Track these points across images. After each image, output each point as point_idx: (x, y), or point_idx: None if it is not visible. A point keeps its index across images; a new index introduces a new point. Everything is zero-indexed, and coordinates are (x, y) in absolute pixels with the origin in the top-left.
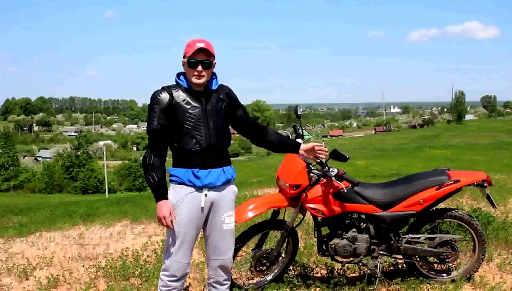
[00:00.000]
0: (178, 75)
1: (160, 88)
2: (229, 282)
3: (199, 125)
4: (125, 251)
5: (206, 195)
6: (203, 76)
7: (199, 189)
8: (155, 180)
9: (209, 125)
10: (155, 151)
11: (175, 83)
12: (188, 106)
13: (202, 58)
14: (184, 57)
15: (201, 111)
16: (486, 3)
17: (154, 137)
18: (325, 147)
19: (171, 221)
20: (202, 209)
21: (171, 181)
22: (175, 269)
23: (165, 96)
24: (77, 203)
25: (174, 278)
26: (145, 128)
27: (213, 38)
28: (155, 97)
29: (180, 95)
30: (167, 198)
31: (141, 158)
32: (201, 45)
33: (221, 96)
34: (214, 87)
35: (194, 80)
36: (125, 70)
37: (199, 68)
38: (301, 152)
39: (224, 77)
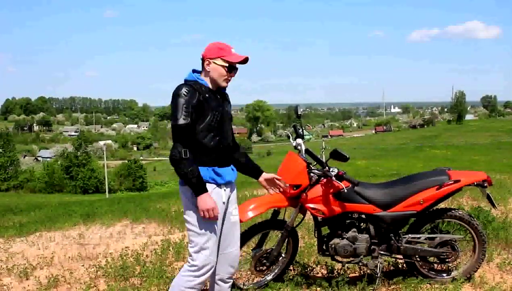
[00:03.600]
0: (194, 72)
1: (183, 83)
2: (231, 281)
3: (222, 124)
4: (125, 250)
5: (225, 190)
6: (229, 81)
7: (219, 185)
8: (197, 174)
9: (226, 125)
10: (187, 145)
11: (191, 80)
12: (214, 104)
13: (237, 66)
14: (217, 59)
15: (223, 111)
16: (488, 2)
17: (185, 132)
18: (284, 185)
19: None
20: (224, 204)
21: None
22: (209, 268)
23: (194, 92)
24: (77, 203)
25: (204, 278)
26: (172, 122)
27: (213, 37)
28: (184, 92)
29: (205, 93)
30: (207, 191)
31: (170, 154)
32: (246, 55)
33: (228, 99)
34: (225, 89)
35: (224, 84)
36: (126, 70)
37: (233, 74)
38: (260, 179)
39: None
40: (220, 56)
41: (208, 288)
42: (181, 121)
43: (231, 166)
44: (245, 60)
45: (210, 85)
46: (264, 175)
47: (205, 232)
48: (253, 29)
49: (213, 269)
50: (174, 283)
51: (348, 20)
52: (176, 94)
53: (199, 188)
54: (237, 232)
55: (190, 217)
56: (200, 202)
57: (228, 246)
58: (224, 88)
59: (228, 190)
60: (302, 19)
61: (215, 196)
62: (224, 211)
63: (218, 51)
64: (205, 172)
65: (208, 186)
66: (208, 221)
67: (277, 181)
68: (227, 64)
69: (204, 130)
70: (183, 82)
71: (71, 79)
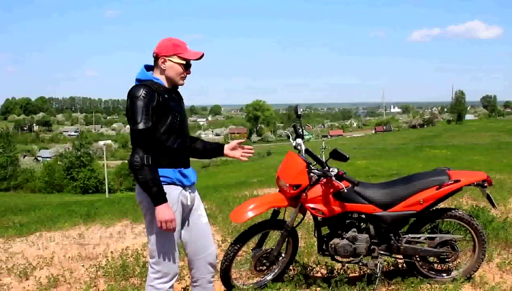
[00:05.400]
0: (147, 69)
1: (141, 84)
2: (215, 278)
3: (183, 124)
4: (125, 250)
5: (190, 193)
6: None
7: (184, 187)
8: (157, 182)
9: (186, 124)
10: (148, 151)
11: (145, 79)
12: (173, 104)
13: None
14: (173, 57)
15: (181, 110)
16: (489, 2)
17: (146, 136)
18: (250, 147)
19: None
20: (189, 206)
21: (161, 182)
22: (172, 274)
23: (152, 93)
24: (77, 203)
25: (170, 284)
26: (131, 127)
27: (214, 37)
28: (142, 94)
29: (162, 93)
30: (167, 201)
31: (130, 160)
32: (201, 52)
33: (181, 97)
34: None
35: (181, 81)
36: (126, 70)
37: (188, 71)
38: (226, 152)
39: (224, 77)
40: (176, 54)
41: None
42: (141, 125)
43: (191, 167)
44: (200, 57)
45: (166, 84)
46: (227, 146)
47: (168, 238)
48: (253, 29)
49: (177, 275)
50: None
51: (348, 20)
52: (134, 97)
53: (159, 197)
54: (209, 234)
55: (149, 219)
56: (158, 213)
57: (205, 249)
58: (180, 86)
59: (191, 192)
60: (302, 19)
61: (182, 199)
62: (189, 213)
63: (174, 48)
64: (171, 173)
65: (175, 188)
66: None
67: (238, 145)
68: (184, 62)
69: (167, 133)
70: (135, 82)
71: (71, 79)
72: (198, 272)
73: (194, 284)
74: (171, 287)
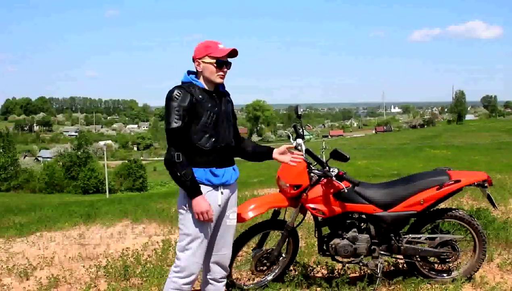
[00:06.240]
0: (189, 73)
1: (176, 86)
2: (225, 280)
3: (218, 124)
4: (126, 251)
5: (222, 193)
6: (225, 76)
7: (215, 187)
8: (190, 177)
9: (224, 125)
10: (180, 149)
11: (186, 82)
12: (209, 105)
13: (228, 59)
14: (205, 58)
15: (219, 111)
16: (490, 2)
17: (178, 135)
18: (301, 151)
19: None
20: (219, 206)
21: None
22: (192, 270)
23: (186, 94)
24: (78, 203)
25: (188, 280)
26: (165, 127)
27: (214, 37)
28: (176, 95)
29: (199, 95)
30: (202, 193)
31: (165, 157)
32: (233, 47)
33: (228, 98)
34: (223, 88)
35: (218, 80)
36: (126, 70)
37: (225, 69)
38: (274, 156)
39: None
40: (207, 54)
41: (199, 288)
42: (173, 125)
43: (233, 166)
44: (233, 53)
45: (205, 86)
46: (276, 150)
47: (193, 235)
48: (253, 29)
49: (197, 272)
50: (164, 288)
51: (349, 20)
52: (168, 98)
53: (193, 190)
54: (229, 237)
55: (181, 216)
56: (195, 205)
57: (221, 248)
58: (221, 84)
59: (226, 191)
60: (302, 19)
61: (210, 199)
62: (220, 214)
63: (205, 50)
64: (201, 173)
65: (203, 188)
66: (199, 224)
67: (288, 149)
68: (214, 60)
69: (199, 132)
70: (180, 84)
71: (71, 79)
72: (209, 269)
73: (205, 279)
74: (190, 284)
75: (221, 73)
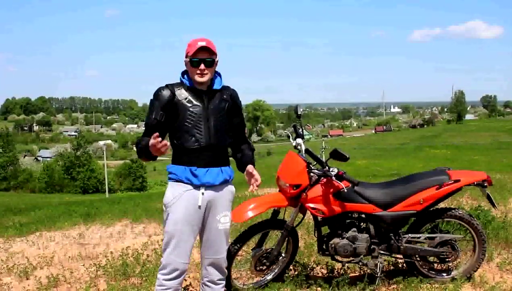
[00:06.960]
0: (183, 74)
1: (163, 85)
2: (224, 282)
3: (199, 124)
4: (126, 250)
5: (203, 194)
6: (206, 74)
7: (196, 187)
8: (142, 143)
9: (209, 124)
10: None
11: (179, 81)
12: (189, 105)
13: (204, 57)
14: (186, 57)
15: (202, 110)
16: (490, 2)
17: (149, 130)
18: (257, 180)
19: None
20: (199, 207)
21: (169, 178)
22: (171, 268)
23: (166, 93)
24: (77, 202)
25: (169, 277)
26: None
27: (214, 37)
28: (157, 93)
29: (182, 94)
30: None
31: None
32: (203, 43)
33: (224, 96)
34: (218, 86)
35: (198, 78)
36: (126, 69)
37: (202, 66)
38: (245, 172)
39: (224, 76)
40: (186, 53)
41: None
42: (148, 120)
43: (221, 167)
44: (204, 48)
45: (196, 85)
46: (248, 168)
47: (170, 234)
48: (253, 29)
49: (182, 269)
50: None
51: (349, 20)
52: (152, 96)
53: (146, 146)
54: (224, 241)
55: (163, 215)
56: (152, 149)
57: (216, 252)
58: (204, 83)
59: (209, 193)
60: (303, 19)
61: (189, 198)
62: (204, 216)
63: (187, 49)
64: (181, 171)
65: (182, 186)
66: (174, 223)
67: (254, 176)
68: (188, 59)
69: (179, 131)
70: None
71: (71, 79)
72: (206, 271)
73: (202, 280)
74: (173, 280)
75: (197, 71)
